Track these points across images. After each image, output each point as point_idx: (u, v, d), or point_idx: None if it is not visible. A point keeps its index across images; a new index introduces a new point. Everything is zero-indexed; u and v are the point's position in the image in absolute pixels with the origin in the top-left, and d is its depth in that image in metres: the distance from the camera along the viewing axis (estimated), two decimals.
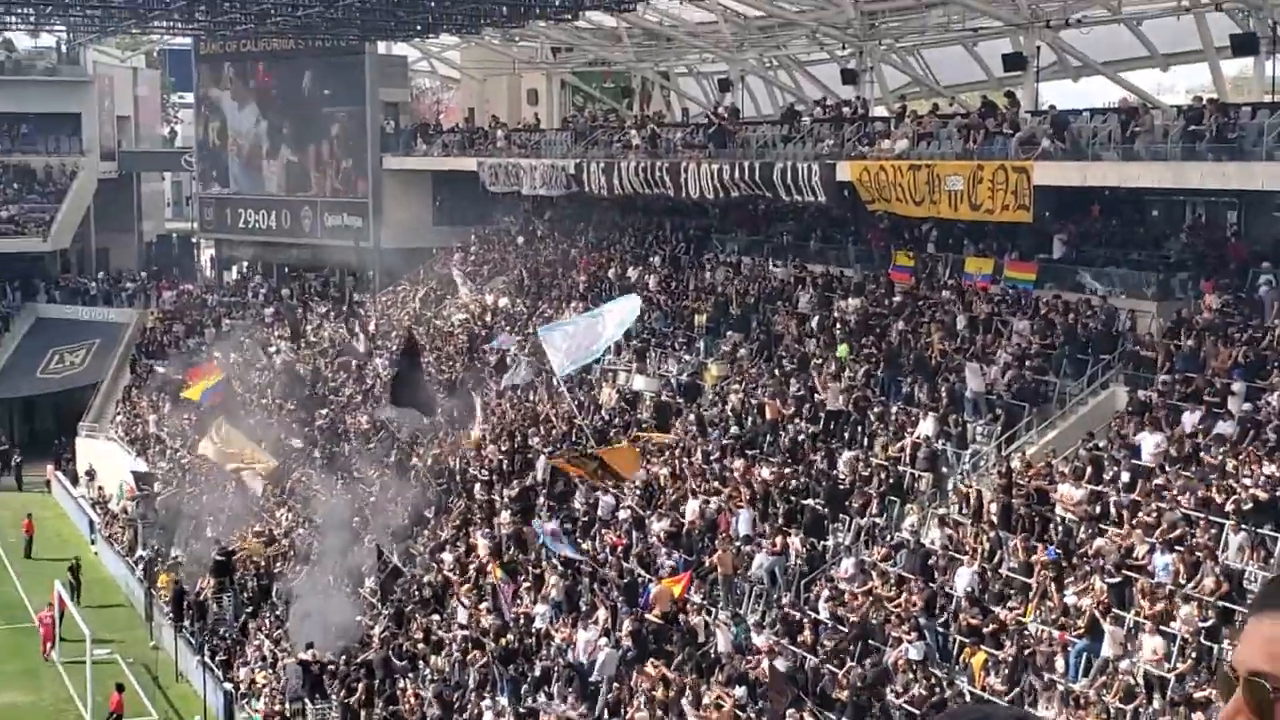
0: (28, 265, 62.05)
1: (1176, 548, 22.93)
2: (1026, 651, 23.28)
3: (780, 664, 25.45)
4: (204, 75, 61.47)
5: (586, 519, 34.17)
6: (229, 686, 33.63)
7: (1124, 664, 21.78)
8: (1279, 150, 27.01)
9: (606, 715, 27.20)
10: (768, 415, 33.28)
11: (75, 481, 51.44)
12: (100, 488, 49.59)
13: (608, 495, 33.75)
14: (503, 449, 38.81)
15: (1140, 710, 21.15)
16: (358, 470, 40.68)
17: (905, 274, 35.74)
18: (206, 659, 34.19)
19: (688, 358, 38.59)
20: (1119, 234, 32.59)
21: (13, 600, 41.06)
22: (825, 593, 27.35)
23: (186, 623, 36.96)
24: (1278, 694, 1.73)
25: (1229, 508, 22.95)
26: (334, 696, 31.36)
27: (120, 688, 32.95)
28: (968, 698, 22.88)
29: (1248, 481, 23.10)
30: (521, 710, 28.19)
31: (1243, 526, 22.53)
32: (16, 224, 61.52)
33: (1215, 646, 20.94)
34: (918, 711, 23.10)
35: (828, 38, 44.32)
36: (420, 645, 31.95)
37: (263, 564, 39.05)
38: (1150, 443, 25.45)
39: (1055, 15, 36.01)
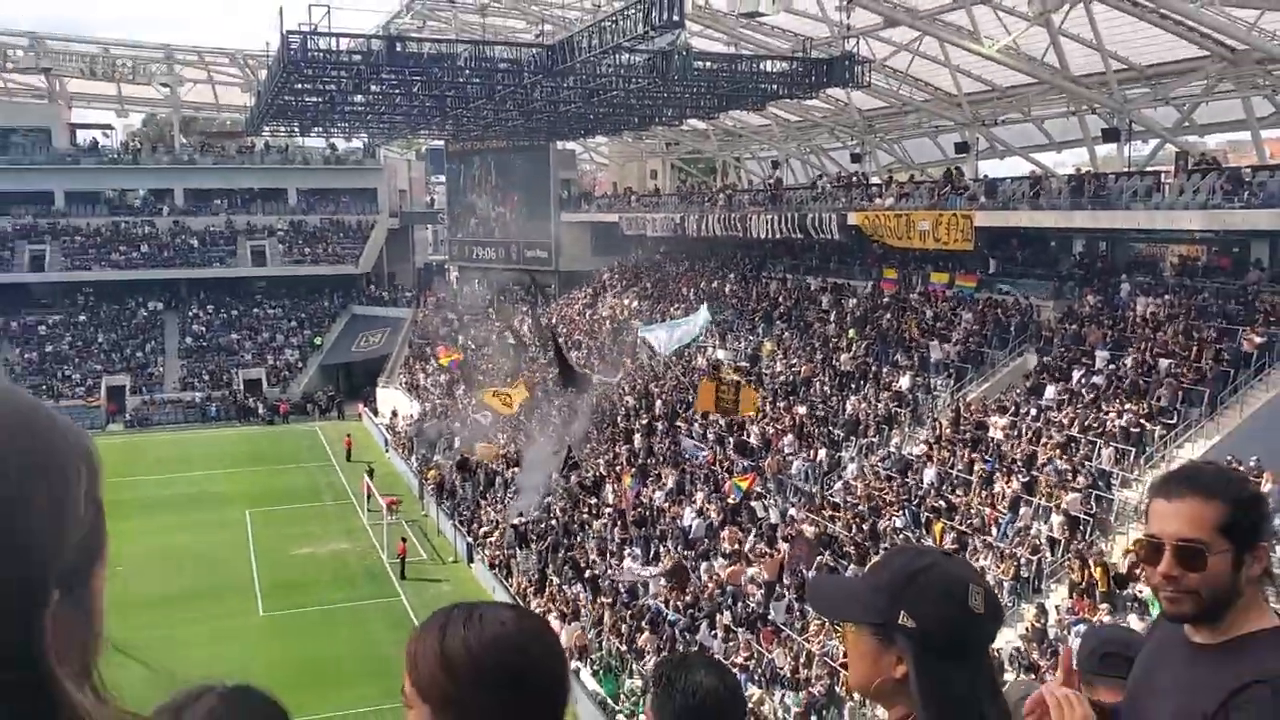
0: (346, 282, 63.55)
1: (1066, 456, 23.09)
2: (970, 523, 23.35)
3: (808, 530, 25.35)
4: (450, 163, 62.59)
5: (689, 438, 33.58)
6: (469, 539, 33.40)
7: (1033, 530, 21.93)
8: (1133, 203, 27.51)
9: (700, 562, 26.52)
10: (802, 374, 33.71)
11: (375, 414, 52.17)
12: (390, 417, 49.94)
13: (702, 424, 33.39)
14: (636, 395, 38.65)
15: (1043, 559, 21.12)
16: (553, 407, 40.16)
17: (891, 283, 36.34)
18: (455, 523, 34.77)
19: (751, 338, 38.86)
20: (1029, 257, 32.99)
21: (338, 486, 41.44)
22: (839, 486, 27.60)
23: (443, 501, 36.92)
24: (1193, 554, 1.86)
25: (1100, 430, 23.40)
26: (533, 547, 30.86)
27: (404, 540, 32.75)
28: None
29: (1112, 415, 23.46)
30: (647, 559, 27.89)
31: (1110, 443, 22.81)
32: (338, 256, 63.07)
33: (1089, 518, 21.20)
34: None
35: (842, 133, 44.82)
36: (585, 515, 31.63)
37: (489, 464, 38.08)
38: (1050, 390, 26.00)
39: (988, 118, 36.64)
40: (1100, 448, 23.09)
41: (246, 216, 64.41)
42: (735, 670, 21.32)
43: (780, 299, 40.68)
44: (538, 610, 27.12)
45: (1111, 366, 25.59)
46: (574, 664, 24.54)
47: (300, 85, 35.90)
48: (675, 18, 24.95)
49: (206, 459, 44.56)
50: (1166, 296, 27.11)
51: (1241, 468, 19.72)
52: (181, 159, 65.91)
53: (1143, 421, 22.99)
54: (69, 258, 60.39)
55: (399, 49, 32.91)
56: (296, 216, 65.03)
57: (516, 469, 37.19)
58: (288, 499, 39.40)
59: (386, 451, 46.35)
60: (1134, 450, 22.55)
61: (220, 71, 64.91)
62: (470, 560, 32.72)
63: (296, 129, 50.59)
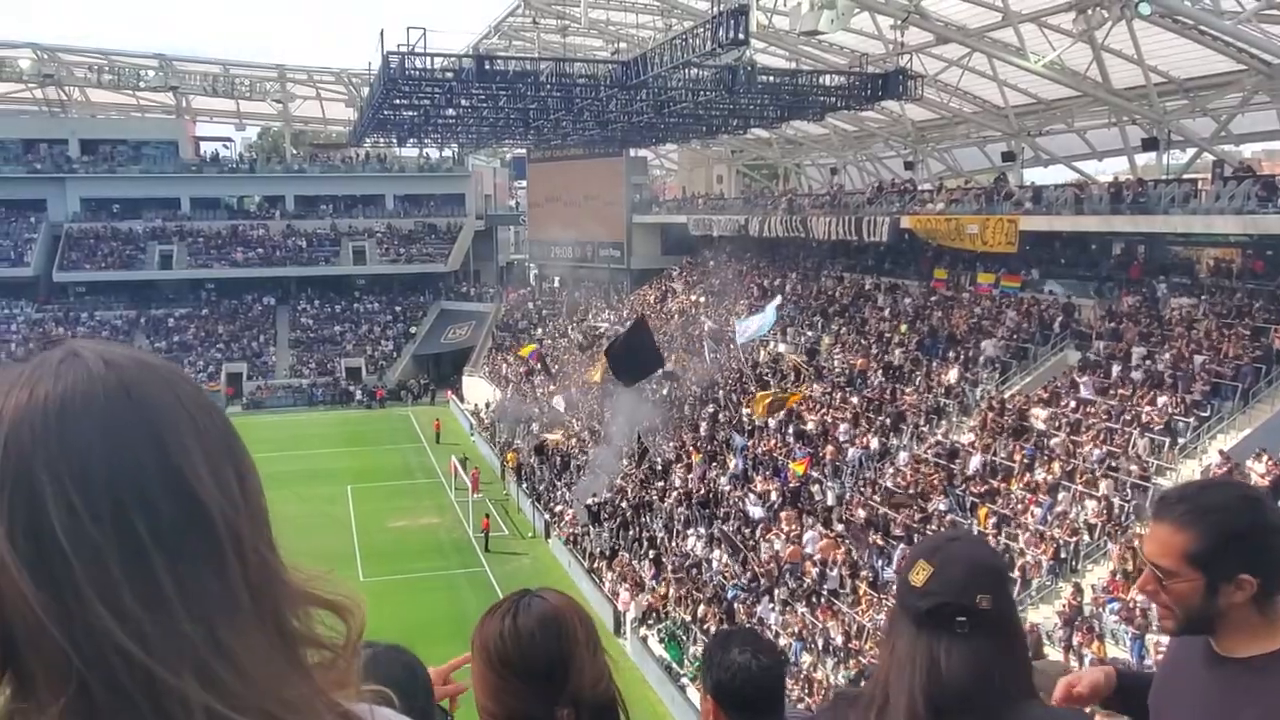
0: (435, 279, 63.53)
1: (1103, 445, 22.94)
2: (1012, 507, 23.13)
3: (861, 513, 25.39)
4: (531, 170, 62.68)
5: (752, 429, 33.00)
6: (546, 517, 33.59)
7: (1071, 514, 21.72)
8: (1171, 209, 26.97)
9: (761, 542, 26.29)
10: (857, 367, 33.22)
11: (462, 400, 52.71)
12: (475, 404, 50.45)
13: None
14: (700, 386, 38.33)
15: (1080, 542, 20.93)
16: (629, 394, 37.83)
17: (941, 283, 35.84)
18: (533, 501, 34.93)
19: (810, 333, 38.17)
20: (1071, 259, 32.31)
21: (429, 466, 41.67)
22: (890, 470, 27.15)
23: (522, 481, 37.08)
24: (1167, 576, 1.87)
25: (1136, 422, 23.10)
26: (605, 525, 31.00)
27: (487, 516, 32.95)
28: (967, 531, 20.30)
29: (1148, 407, 23.23)
30: (711, 535, 27.88)
31: (1146, 433, 22.49)
32: (429, 256, 63.24)
33: (1125, 505, 20.91)
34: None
35: (896, 142, 44.19)
36: (654, 496, 31.44)
37: (564, 448, 38.46)
38: (1088, 383, 25.50)
39: (1033, 128, 36.15)
40: (1136, 438, 22.64)
41: (348, 220, 65.16)
42: (791, 640, 21.77)
43: (838, 296, 40.32)
44: (609, 580, 27.62)
45: (1148, 362, 25.06)
46: (641, 630, 24.89)
47: (398, 100, 36.38)
48: (741, 36, 24.99)
49: (312, 439, 45.28)
50: (1202, 297, 26.51)
51: (1267, 460, 19.52)
52: (292, 168, 66.91)
53: (1176, 415, 22.58)
54: (193, 257, 61.49)
55: (487, 67, 33.21)
56: (393, 220, 65.57)
57: (589, 453, 37.03)
58: (383, 476, 39.82)
59: (471, 435, 46.62)
60: (1168, 441, 22.19)
61: (327, 89, 65.85)
62: (547, 536, 32.83)
63: (394, 140, 51.05)
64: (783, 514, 27.01)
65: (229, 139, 70.85)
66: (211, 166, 66.83)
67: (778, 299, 36.86)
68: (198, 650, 0.86)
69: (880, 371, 32.52)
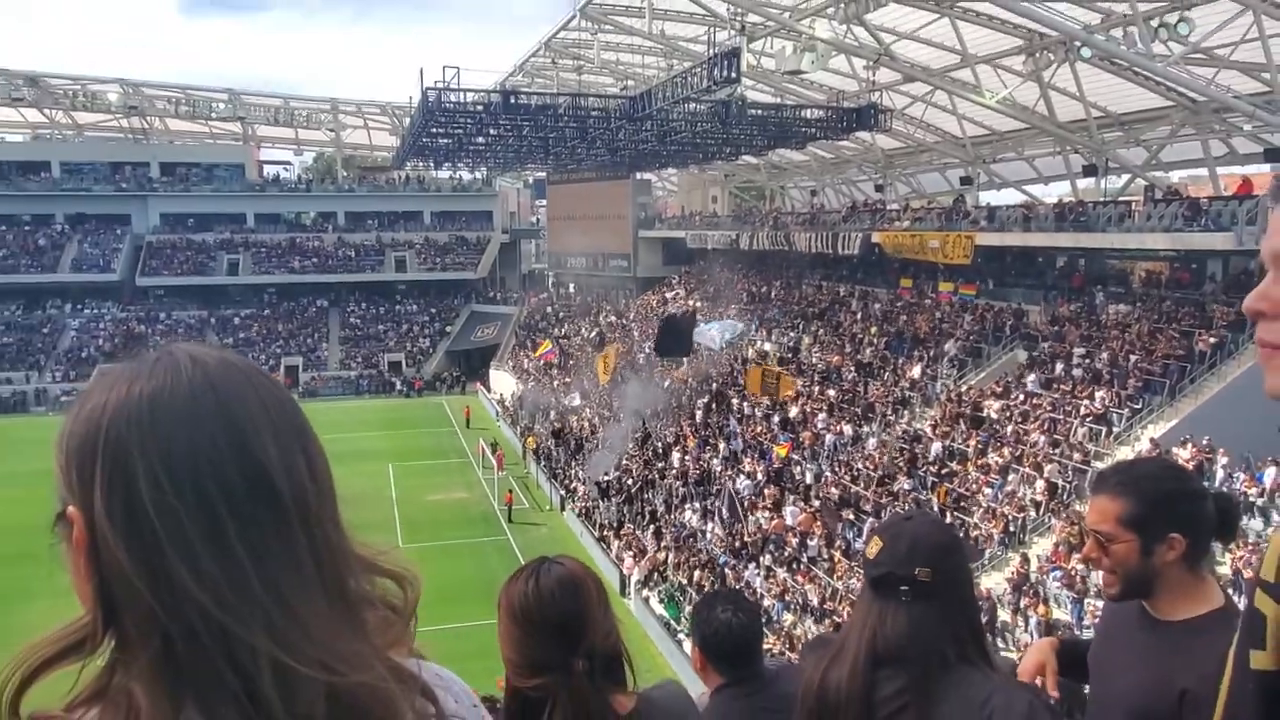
0: (466, 285, 63.25)
1: (1048, 433, 22.80)
2: (967, 487, 22.87)
3: (834, 491, 25.20)
4: (550, 190, 62.29)
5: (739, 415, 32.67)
6: (562, 492, 33.30)
7: (1019, 493, 21.58)
8: (1108, 227, 27.12)
9: (746, 515, 26.05)
10: (833, 364, 33.19)
11: (489, 390, 52.11)
12: (500, 394, 50.03)
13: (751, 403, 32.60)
14: (694, 381, 37.80)
15: (1027, 518, 20.81)
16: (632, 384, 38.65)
17: (907, 290, 35.82)
18: (550, 478, 34.77)
19: (792, 333, 38.14)
20: (1020, 270, 32.30)
21: (460, 447, 41.53)
22: (859, 454, 26.94)
23: (540, 462, 36.85)
24: (1107, 540, 1.87)
25: (1077, 413, 22.93)
26: (614, 500, 30.99)
27: (510, 491, 32.81)
28: (928, 509, 20.92)
29: (1087, 400, 23.07)
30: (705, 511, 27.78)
31: (1085, 423, 22.35)
32: (461, 265, 62.99)
33: (1066, 486, 20.81)
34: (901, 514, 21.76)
35: (867, 167, 44.11)
36: (656, 475, 31.26)
37: (578, 432, 38.40)
38: (1034, 378, 25.35)
39: (988, 156, 36.16)
40: (1076, 427, 22.60)
41: (391, 233, 65.13)
42: (774, 601, 21.75)
43: (816, 302, 40.24)
44: (615, 548, 27.62)
45: (1087, 360, 24.95)
46: (644, 592, 24.86)
47: (435, 129, 36.37)
48: (733, 75, 24.96)
49: (359, 423, 45.09)
50: (1135, 304, 26.48)
51: (1191, 447, 19.48)
52: (343, 188, 67.05)
53: (1112, 407, 22.48)
54: (257, 265, 61.61)
55: (512, 101, 33.24)
56: (430, 233, 65.54)
57: (598, 437, 37.03)
58: (421, 456, 39.76)
59: (497, 420, 46.55)
60: (1105, 429, 22.16)
61: (373, 119, 65.93)
62: (563, 509, 32.77)
63: (431, 164, 51.28)
64: (767, 490, 26.83)
65: (288, 162, 71.16)
66: (273, 186, 66.94)
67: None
68: (266, 608, 0.88)
69: (853, 368, 32.40)
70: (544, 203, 65.77)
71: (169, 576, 0.86)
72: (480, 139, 39.67)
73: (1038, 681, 2.15)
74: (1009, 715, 1.66)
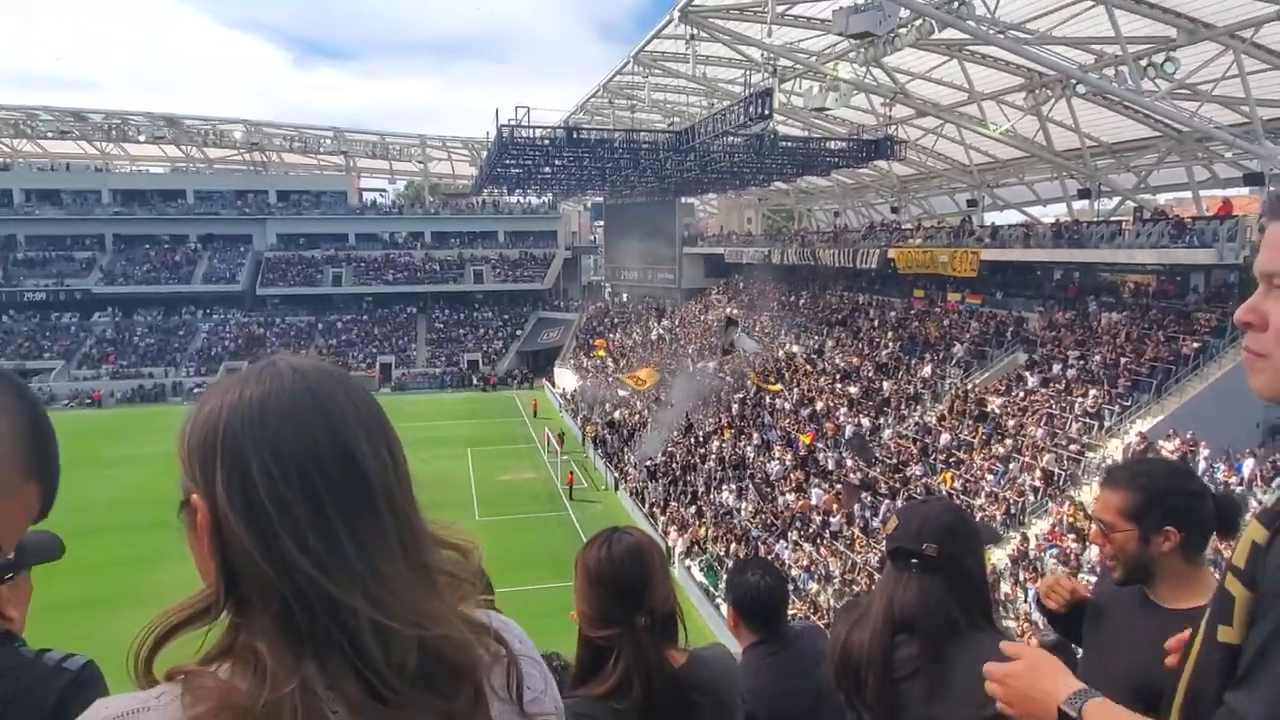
0: (534, 295, 63.48)
1: (1045, 427, 22.42)
2: (972, 474, 22.48)
3: (854, 478, 24.78)
4: (607, 212, 61.89)
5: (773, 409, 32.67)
6: (616, 474, 33.24)
7: (1020, 479, 21.18)
8: (1100, 244, 26.45)
9: (778, 497, 26.09)
10: (853, 364, 32.85)
11: (554, 385, 51.76)
12: (563, 389, 49.60)
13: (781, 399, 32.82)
14: (730, 378, 37.89)
15: (1026, 502, 20.37)
16: (679, 383, 38.56)
17: (919, 300, 35.25)
18: (606, 462, 34.77)
19: (817, 337, 37.94)
20: (1021, 282, 31.47)
21: (528, 434, 41.52)
22: (878, 444, 26.68)
23: (597, 447, 36.82)
24: (1109, 529, 1.81)
25: (1072, 409, 22.56)
26: (660, 481, 30.80)
27: (571, 473, 32.89)
28: (939, 493, 21.46)
29: (1080, 398, 22.64)
30: (740, 491, 27.66)
31: (1079, 419, 22.01)
32: (530, 277, 63.33)
33: (1062, 473, 20.43)
34: (916, 497, 20.72)
35: (884, 191, 43.35)
36: (697, 459, 31.29)
37: (630, 422, 38.33)
38: (1033, 378, 24.95)
39: (992, 181, 35.02)
40: (1071, 422, 22.20)
41: (470, 250, 65.55)
42: (801, 572, 21.56)
43: (838, 309, 39.84)
44: (661, 523, 27.62)
45: (1081, 362, 24.40)
46: (686, 562, 24.82)
47: (508, 161, 36.59)
48: (766, 112, 24.80)
49: (441, 413, 45.50)
50: (1125, 312, 25.87)
51: (1176, 440, 18.97)
52: (430, 211, 67.54)
53: (1103, 404, 21.97)
54: (357, 277, 62.36)
55: (574, 136, 33.30)
56: (503, 250, 65.82)
57: (647, 427, 37.02)
58: (494, 442, 39.86)
59: (560, 412, 46.62)
60: (1097, 424, 21.69)
61: (456, 152, 66.60)
62: (616, 489, 32.75)
63: (505, 190, 51.48)
64: (794, 474, 26.66)
65: (384, 190, 72.08)
66: (371, 210, 67.85)
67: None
68: (362, 576, 0.92)
69: (871, 367, 32.03)
70: (601, 223, 65.80)
71: (281, 551, 0.90)
72: (547, 168, 39.88)
73: (1053, 590, 2.14)
74: None
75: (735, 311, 41.04)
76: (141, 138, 59.90)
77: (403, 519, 0.98)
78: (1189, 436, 18.94)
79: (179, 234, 62.31)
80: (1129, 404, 21.57)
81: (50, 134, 59.42)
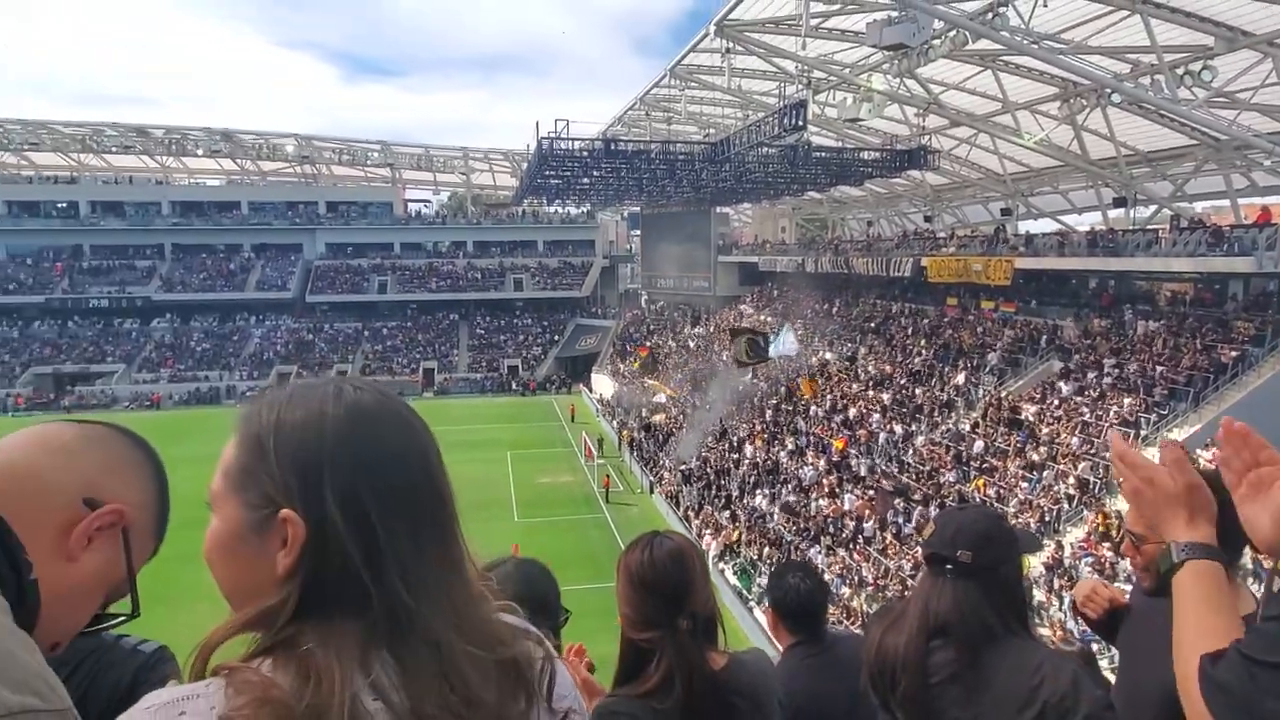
0: (573, 302, 63.73)
1: (1080, 434, 22.01)
2: (1006, 481, 22.09)
3: (886, 484, 24.57)
4: (643, 221, 61.62)
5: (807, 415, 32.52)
6: (651, 478, 33.28)
7: (1055, 488, 20.77)
8: (1136, 252, 25.65)
9: (810, 500, 25.97)
10: (886, 371, 32.56)
11: (591, 391, 52.21)
12: (600, 394, 50.04)
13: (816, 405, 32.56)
14: (766, 381, 37.61)
15: (1061, 510, 20.00)
16: (713, 388, 38.66)
17: (952, 308, 34.77)
18: (641, 466, 34.88)
19: (850, 344, 37.41)
20: (1055, 291, 30.93)
21: (565, 438, 41.51)
22: (910, 450, 26.43)
23: (633, 451, 36.79)
24: (1139, 540, 1.80)
25: (1107, 417, 22.05)
26: (695, 485, 30.70)
27: (607, 476, 32.94)
28: (972, 500, 21.29)
29: (1115, 405, 22.18)
30: (773, 497, 27.57)
31: (1112, 427, 21.27)
32: (568, 285, 63.78)
33: (1097, 481, 20.04)
34: (950, 504, 20.43)
35: (918, 201, 42.82)
36: (731, 465, 31.12)
37: (665, 426, 38.30)
38: (1068, 386, 24.48)
39: (1026, 190, 34.23)
40: (1107, 429, 21.41)
41: (511, 259, 66.03)
42: (834, 577, 21.34)
43: (872, 317, 39.38)
44: (696, 526, 27.52)
45: (1116, 370, 23.72)
46: (720, 565, 24.70)
47: (548, 172, 36.75)
48: (800, 123, 24.64)
49: (482, 417, 45.80)
50: (1161, 321, 25.28)
51: (1213, 450, 18.41)
52: (472, 221, 68.04)
53: (1140, 412, 21.48)
54: (401, 285, 63.06)
55: (612, 147, 33.39)
56: (542, 258, 66.21)
57: (681, 431, 36.86)
58: (533, 445, 39.96)
59: (597, 416, 46.74)
60: (1133, 432, 21.14)
61: (497, 164, 67.05)
62: (651, 492, 32.70)
63: (544, 200, 51.71)
64: (827, 479, 26.41)
65: (428, 200, 72.85)
66: (415, 221, 68.74)
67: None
68: (447, 595, 0.95)
69: (904, 375, 31.60)
70: (638, 232, 65.83)
71: (382, 570, 0.90)
72: (585, 179, 39.97)
73: (1091, 599, 2.11)
74: (1058, 679, 1.64)
75: (758, 320, 40.82)
76: (199, 151, 61.51)
77: (462, 537, 1.00)
78: None
79: (234, 243, 63.65)
80: (1165, 412, 21.06)
81: (115, 148, 61.03)
